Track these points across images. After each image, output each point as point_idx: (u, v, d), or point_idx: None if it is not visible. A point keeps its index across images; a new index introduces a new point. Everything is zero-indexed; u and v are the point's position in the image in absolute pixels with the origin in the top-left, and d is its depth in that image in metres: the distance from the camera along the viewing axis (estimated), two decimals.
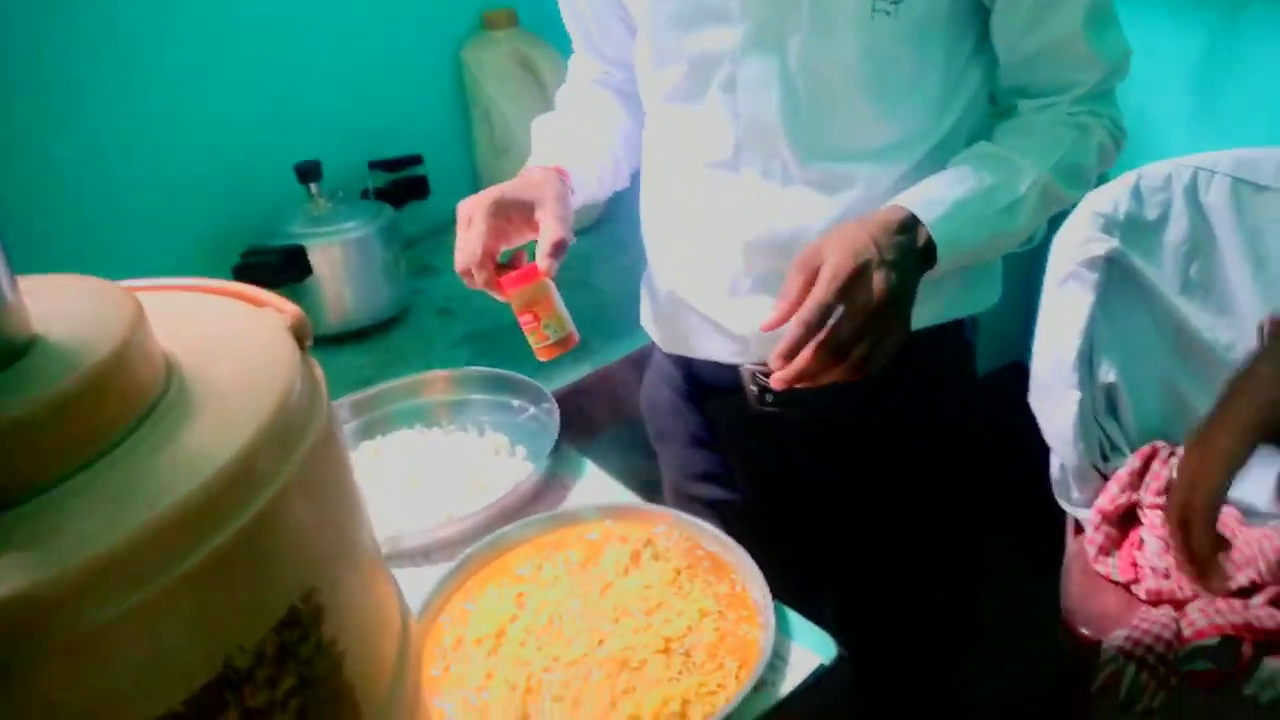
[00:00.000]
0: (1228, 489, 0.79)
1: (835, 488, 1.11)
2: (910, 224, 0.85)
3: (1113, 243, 1.48)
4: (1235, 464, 0.79)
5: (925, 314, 0.99)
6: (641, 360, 1.34)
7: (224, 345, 0.51)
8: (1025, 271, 1.57)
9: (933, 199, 0.87)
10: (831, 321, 0.81)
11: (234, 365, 0.50)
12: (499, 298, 0.95)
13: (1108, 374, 1.45)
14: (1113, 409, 1.46)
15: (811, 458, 1.09)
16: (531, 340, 0.96)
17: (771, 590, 0.84)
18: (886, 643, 1.18)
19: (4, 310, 0.43)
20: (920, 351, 0.96)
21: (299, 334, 0.51)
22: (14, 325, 0.44)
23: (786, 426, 1.05)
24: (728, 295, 1.01)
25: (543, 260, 0.93)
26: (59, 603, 0.37)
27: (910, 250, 0.84)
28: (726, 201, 0.98)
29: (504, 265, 0.96)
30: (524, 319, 0.95)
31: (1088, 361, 1.43)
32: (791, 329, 0.80)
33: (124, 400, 0.45)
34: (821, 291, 0.80)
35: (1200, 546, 0.81)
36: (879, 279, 0.80)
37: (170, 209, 1.52)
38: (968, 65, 0.94)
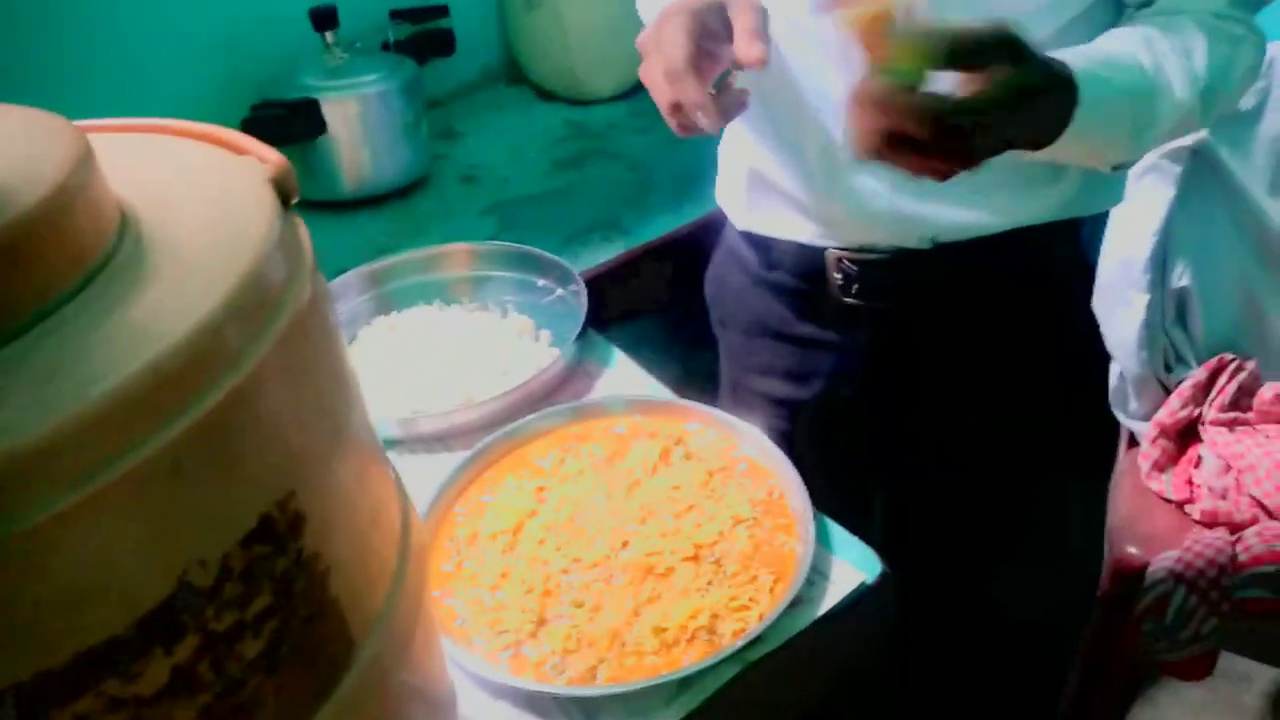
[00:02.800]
0: None
1: (910, 388, 1.02)
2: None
3: (1200, 133, 1.35)
4: None
5: (1043, 207, 0.89)
6: (676, 243, 1.24)
7: (193, 197, 0.43)
8: None
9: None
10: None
11: (203, 221, 0.41)
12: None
13: (1180, 278, 1.34)
14: (1181, 317, 1.35)
15: (891, 356, 1.00)
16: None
17: (815, 498, 0.77)
18: (930, 544, 1.12)
19: None
20: (1028, 251, 0.88)
21: (283, 188, 0.43)
22: None
23: (869, 321, 0.98)
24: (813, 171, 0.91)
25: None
26: None
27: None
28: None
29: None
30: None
31: (1160, 264, 1.32)
32: None
33: (61, 259, 0.36)
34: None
35: None
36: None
37: (174, 55, 1.40)
38: None
